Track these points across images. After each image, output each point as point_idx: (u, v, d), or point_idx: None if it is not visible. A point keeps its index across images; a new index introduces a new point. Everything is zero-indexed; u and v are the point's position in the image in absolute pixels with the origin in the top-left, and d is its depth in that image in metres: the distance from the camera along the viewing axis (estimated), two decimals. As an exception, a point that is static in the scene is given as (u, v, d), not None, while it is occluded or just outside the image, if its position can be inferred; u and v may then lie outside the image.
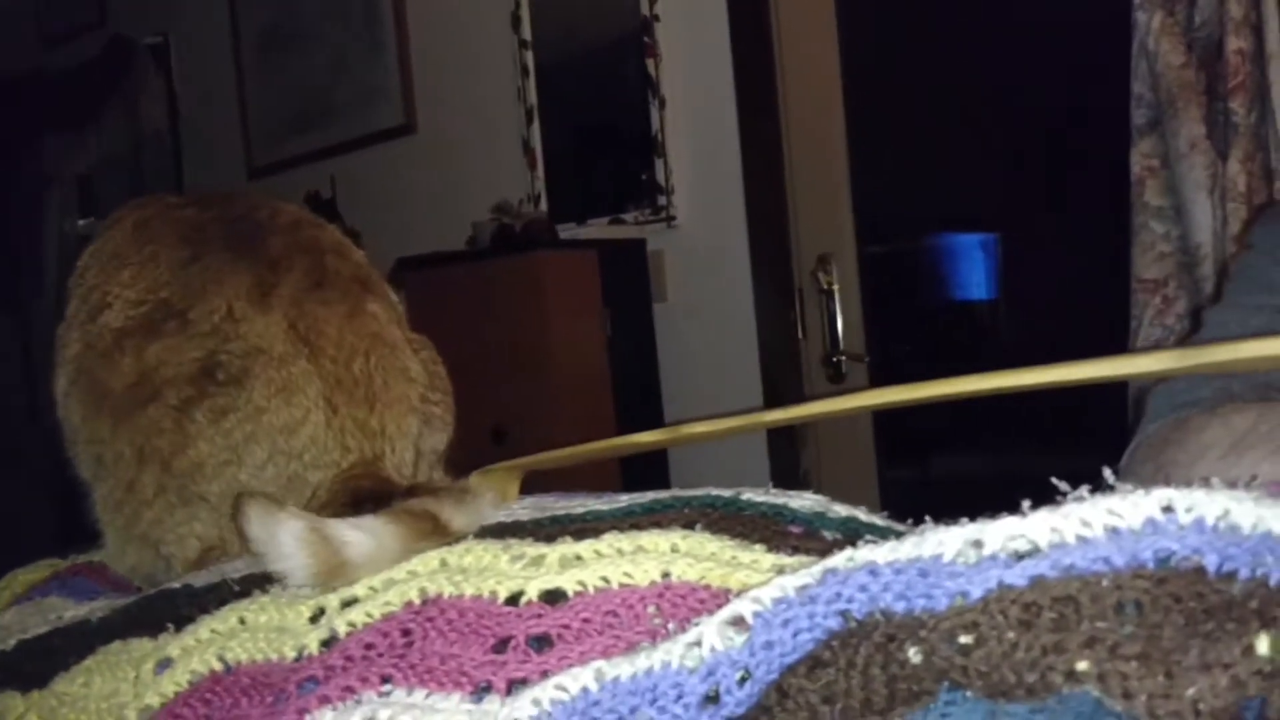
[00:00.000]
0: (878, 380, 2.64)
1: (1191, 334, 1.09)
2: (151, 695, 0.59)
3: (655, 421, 2.71)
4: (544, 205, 2.93)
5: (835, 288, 2.58)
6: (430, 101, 3.28)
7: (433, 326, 0.97)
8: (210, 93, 3.98)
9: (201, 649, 0.60)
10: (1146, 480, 0.81)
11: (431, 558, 0.56)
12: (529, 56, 2.96)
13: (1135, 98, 1.88)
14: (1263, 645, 0.32)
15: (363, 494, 0.76)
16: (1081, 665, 0.33)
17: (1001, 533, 0.40)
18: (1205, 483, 0.39)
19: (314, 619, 0.57)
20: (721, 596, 0.50)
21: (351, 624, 0.54)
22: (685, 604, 0.50)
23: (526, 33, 2.96)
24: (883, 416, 2.66)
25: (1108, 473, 0.43)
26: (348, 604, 0.56)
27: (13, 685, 0.70)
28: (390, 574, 0.56)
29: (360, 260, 0.93)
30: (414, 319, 2.96)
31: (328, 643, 0.54)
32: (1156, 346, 1.88)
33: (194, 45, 4.04)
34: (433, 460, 0.85)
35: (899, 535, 0.56)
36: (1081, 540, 0.38)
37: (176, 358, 0.83)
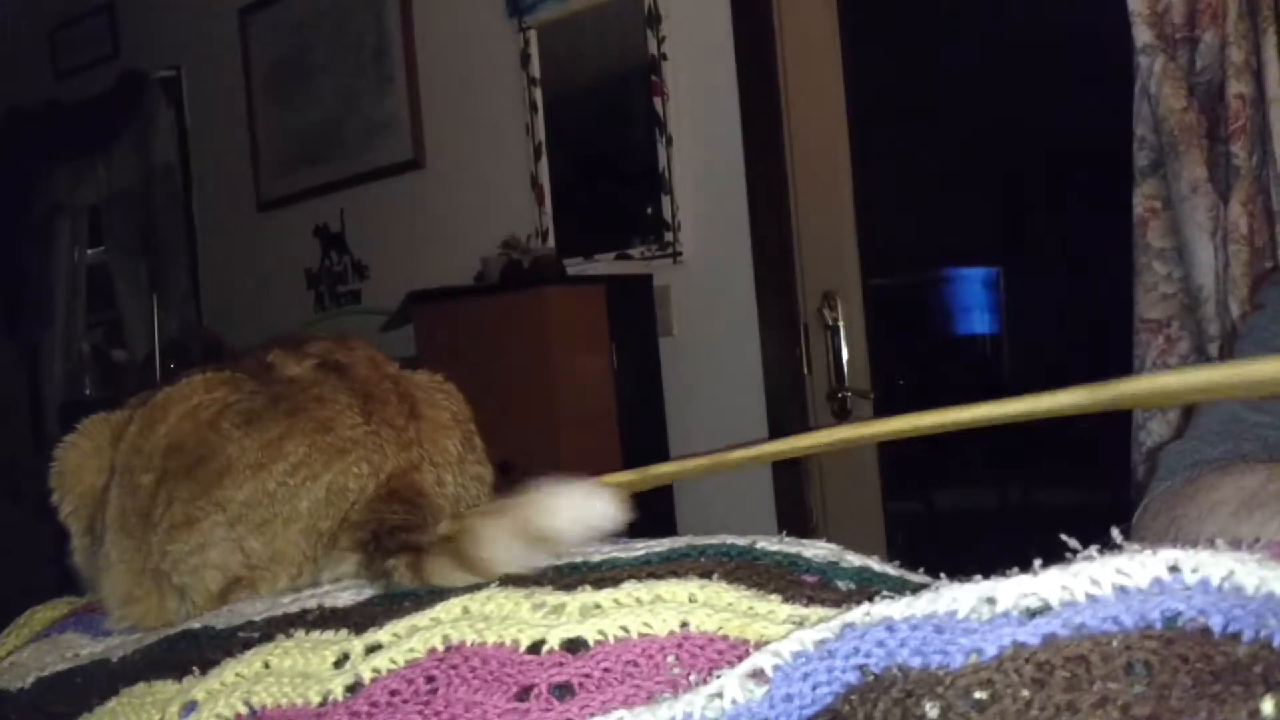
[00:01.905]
0: (884, 414, 2.65)
1: None
2: (176, 739, 0.61)
3: (660, 454, 2.72)
4: (551, 240, 2.96)
5: (840, 323, 2.59)
6: (439, 137, 3.32)
7: (441, 360, 0.99)
8: (221, 126, 4.02)
9: (227, 693, 0.61)
10: (1159, 535, 0.82)
11: (454, 604, 0.57)
12: (537, 93, 3.00)
13: (1138, 140, 1.90)
14: (1268, 707, 0.33)
15: (383, 532, 0.76)
16: (1094, 725, 0.34)
17: (1014, 590, 0.41)
18: (1211, 543, 0.41)
19: (338, 664, 0.58)
20: (739, 647, 0.51)
21: (376, 670, 0.55)
22: (704, 654, 0.51)
23: (535, 70, 2.99)
24: (887, 451, 2.68)
25: (1116, 532, 0.44)
26: (372, 649, 0.57)
27: (36, 725, 0.72)
28: (413, 620, 0.58)
29: None
30: (422, 352, 2.97)
31: (353, 688, 0.55)
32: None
33: (206, 79, 4.08)
34: (477, 491, 0.86)
35: (912, 586, 0.58)
36: (1091, 599, 0.40)
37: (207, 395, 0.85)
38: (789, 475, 2.57)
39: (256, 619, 0.70)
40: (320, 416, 0.81)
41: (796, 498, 2.57)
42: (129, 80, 4.24)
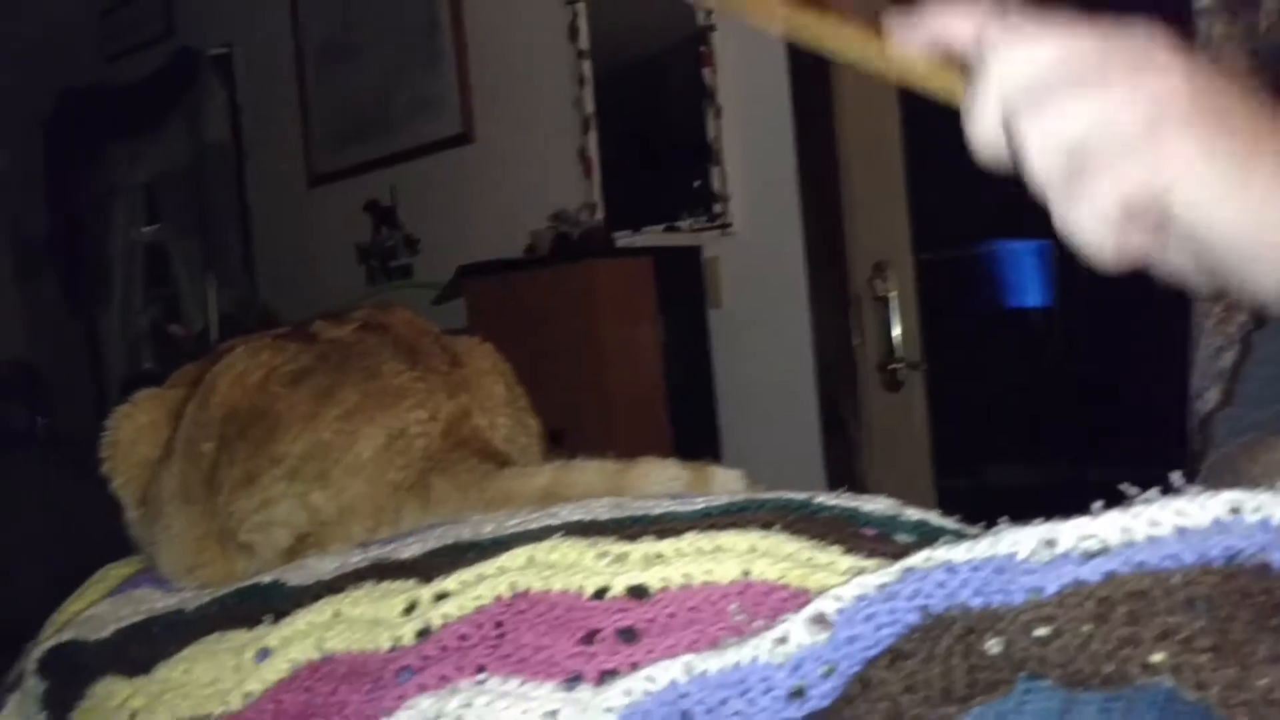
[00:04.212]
0: (935, 388, 2.64)
1: (1242, 360, 1.09)
2: (253, 682, 0.63)
3: (710, 426, 2.73)
4: (600, 213, 2.96)
5: (892, 294, 2.58)
6: (488, 111, 3.33)
7: (491, 332, 1.01)
8: (273, 103, 4.06)
9: (300, 639, 0.63)
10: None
11: (519, 554, 0.59)
12: (586, 66, 3.00)
13: (1197, 105, 1.87)
14: (1329, 639, 0.34)
15: None
16: (1157, 657, 0.35)
17: (1074, 532, 0.42)
18: (1272, 486, 0.41)
19: (407, 611, 0.60)
20: (801, 596, 0.52)
21: (445, 616, 0.57)
22: (766, 602, 0.52)
23: (584, 42, 3.00)
24: (939, 426, 2.67)
25: (1176, 476, 0.45)
26: (440, 597, 0.59)
27: (116, 670, 0.74)
28: (480, 569, 0.59)
29: None
30: (473, 324, 2.99)
31: (422, 634, 0.57)
32: (1218, 353, 1.87)
33: (257, 56, 4.13)
34: (526, 440, 0.87)
35: (972, 538, 0.58)
36: (1151, 539, 0.40)
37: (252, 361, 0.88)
38: (840, 449, 2.57)
39: (326, 578, 0.72)
40: (367, 366, 0.83)
41: (847, 472, 2.57)
42: (182, 59, 4.30)
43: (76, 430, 4.46)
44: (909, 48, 0.55)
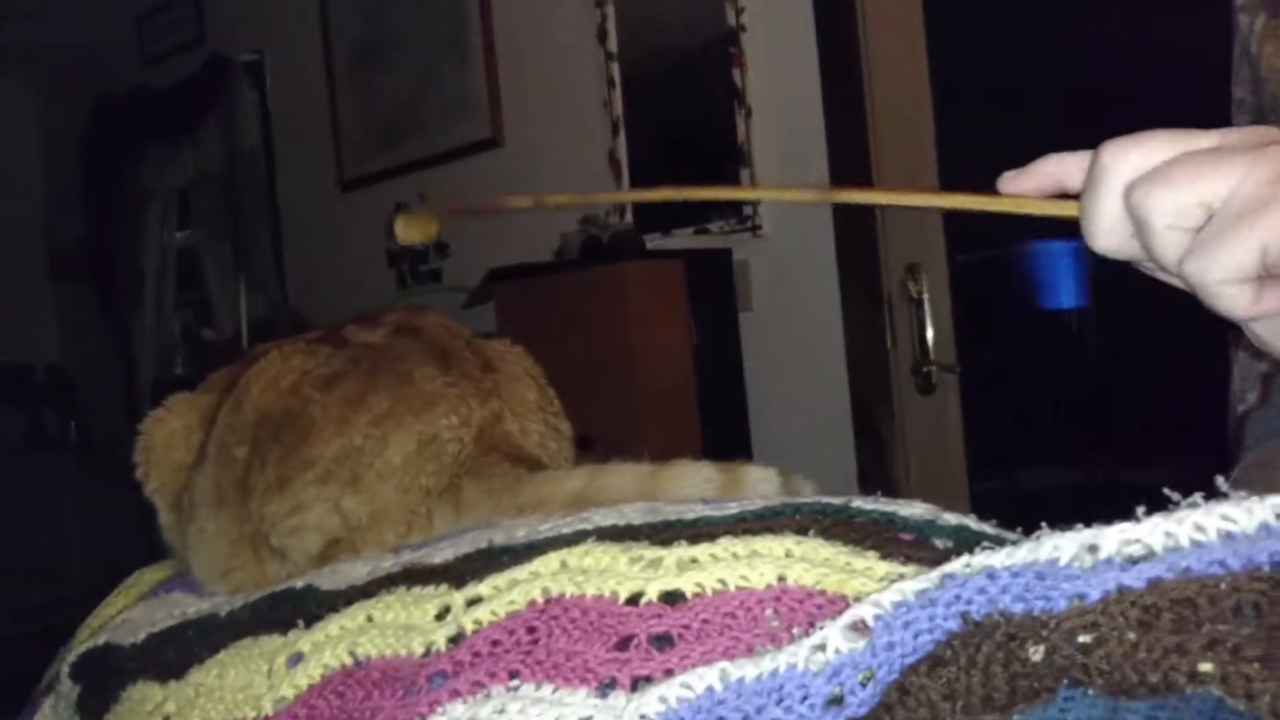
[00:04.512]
0: (969, 390, 2.62)
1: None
2: (285, 687, 0.63)
3: (741, 430, 2.73)
4: (630, 216, 2.96)
5: (925, 297, 2.56)
6: (517, 114, 3.34)
7: (522, 336, 1.01)
8: (303, 108, 4.09)
9: (332, 644, 0.63)
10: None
11: (552, 559, 0.59)
12: (615, 68, 3.00)
13: (1237, 103, 1.84)
14: (1383, 648, 0.33)
15: None
16: (1204, 667, 0.34)
17: (1117, 537, 0.41)
18: (1320, 492, 0.40)
19: (440, 617, 0.60)
20: (837, 602, 0.51)
21: (478, 622, 0.57)
22: (802, 609, 0.51)
23: (613, 45, 2.99)
24: (974, 429, 2.65)
25: (1221, 481, 0.44)
26: (473, 602, 0.59)
27: (149, 675, 0.74)
28: (513, 574, 0.59)
29: None
30: (503, 328, 3.00)
31: (455, 639, 0.57)
32: (1259, 354, 1.84)
33: (288, 62, 4.15)
34: (558, 446, 0.87)
35: (1011, 543, 0.58)
36: (1196, 545, 0.39)
37: (285, 365, 0.88)
38: (872, 453, 2.56)
39: (359, 583, 0.72)
40: (399, 371, 0.83)
41: (880, 475, 2.55)
42: (214, 65, 4.33)
43: (109, 434, 4.51)
44: (1022, 190, 0.57)
